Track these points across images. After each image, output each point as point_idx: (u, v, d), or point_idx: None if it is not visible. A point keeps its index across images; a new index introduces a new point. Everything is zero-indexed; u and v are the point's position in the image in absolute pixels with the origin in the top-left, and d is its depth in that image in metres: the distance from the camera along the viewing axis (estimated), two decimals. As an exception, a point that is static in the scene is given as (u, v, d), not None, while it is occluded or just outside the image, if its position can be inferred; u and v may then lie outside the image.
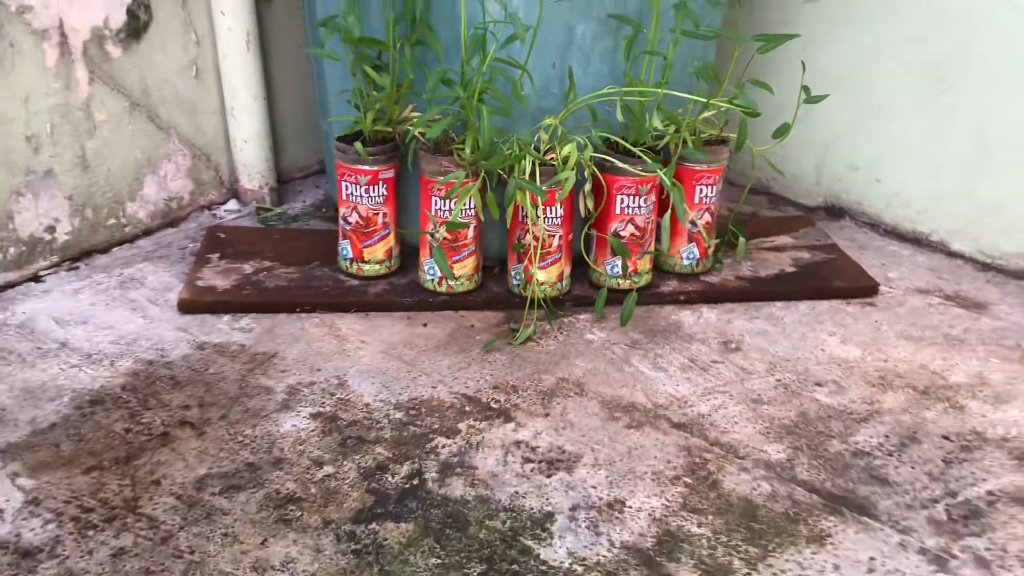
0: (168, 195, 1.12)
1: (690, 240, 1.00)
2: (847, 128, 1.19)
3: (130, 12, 1.01)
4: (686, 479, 0.70)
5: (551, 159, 0.89)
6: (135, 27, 1.02)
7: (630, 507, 0.67)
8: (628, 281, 0.97)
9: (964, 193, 1.09)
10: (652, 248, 0.98)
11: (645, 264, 0.98)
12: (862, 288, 1.02)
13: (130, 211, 1.08)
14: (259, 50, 1.12)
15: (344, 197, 0.96)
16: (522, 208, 0.89)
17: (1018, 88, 1.01)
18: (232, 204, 1.19)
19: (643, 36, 0.89)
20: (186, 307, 0.92)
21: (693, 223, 0.99)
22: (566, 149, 0.88)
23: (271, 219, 1.17)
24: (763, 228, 1.15)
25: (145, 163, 1.08)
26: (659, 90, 0.88)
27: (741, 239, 1.05)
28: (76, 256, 1.03)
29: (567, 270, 0.96)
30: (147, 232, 1.10)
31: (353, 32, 0.88)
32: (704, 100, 0.90)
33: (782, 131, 1.00)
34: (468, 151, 0.86)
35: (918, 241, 1.15)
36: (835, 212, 1.23)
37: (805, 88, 0.97)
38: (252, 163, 1.17)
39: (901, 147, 1.14)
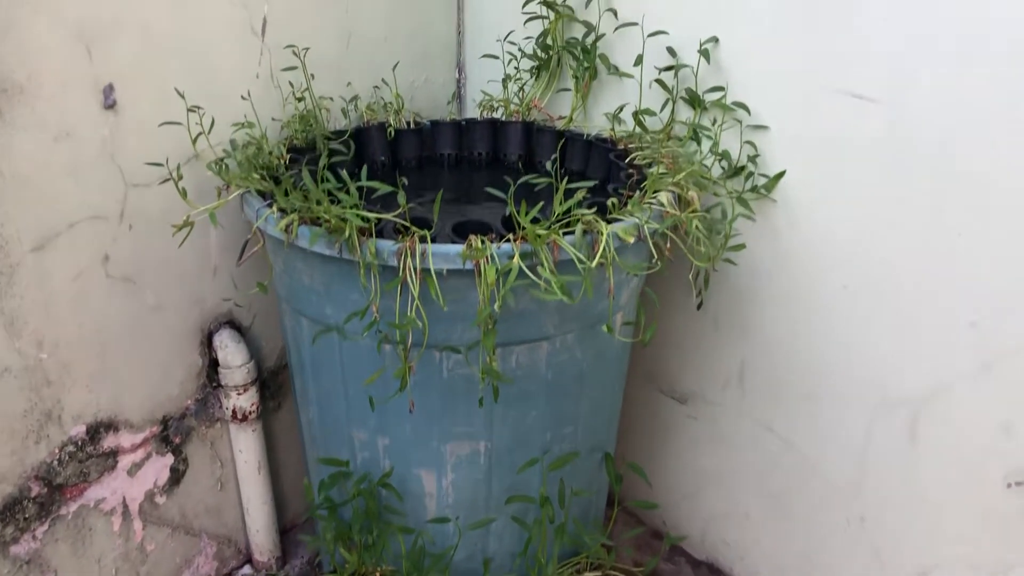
0: (199, 579, 1.48)
1: (584, 645, 1.35)
2: (722, 515, 1.53)
3: (173, 469, 1.38)
4: None
5: (474, 616, 1.25)
6: (176, 477, 1.39)
7: None
8: None
9: (800, 590, 1.43)
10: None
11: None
12: None
13: (171, 600, 1.44)
14: (268, 470, 1.48)
15: (327, 623, 1.31)
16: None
17: (825, 518, 1.35)
18: (247, 569, 1.55)
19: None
20: None
21: (585, 632, 1.34)
22: (482, 618, 1.23)
23: (276, 584, 1.53)
24: (651, 601, 1.49)
25: (183, 563, 1.44)
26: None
27: (625, 633, 1.40)
28: (131, 647, 1.39)
29: None
30: (183, 610, 1.47)
31: (328, 531, 1.24)
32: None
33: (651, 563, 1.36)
34: (410, 629, 1.21)
35: (771, 614, 1.48)
36: (714, 570, 1.57)
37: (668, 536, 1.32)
38: (262, 544, 1.53)
39: (759, 542, 1.48)
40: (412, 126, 1.50)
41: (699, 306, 1.40)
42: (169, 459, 1.36)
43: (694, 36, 1.28)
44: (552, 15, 1.44)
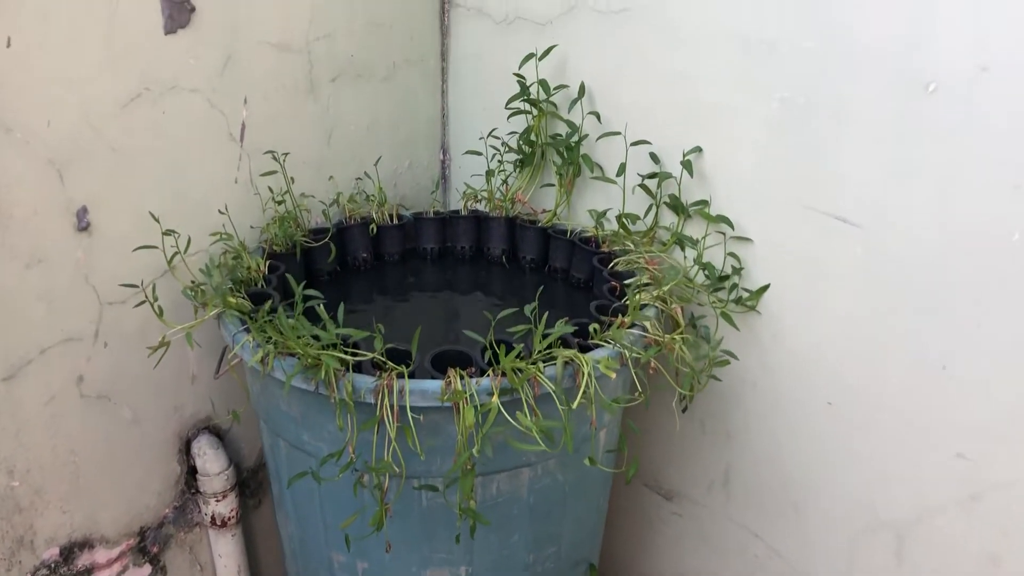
0: None
1: None
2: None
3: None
4: None
5: None
6: (154, 584, 1.37)
7: None
8: None
9: None
10: None
11: None
12: None
13: None
14: (248, 572, 1.46)
15: None
16: None
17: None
18: (227, 670, 1.52)
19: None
20: None
21: None
22: None
23: None
24: None
25: (160, 671, 1.42)
26: None
27: None
28: None
29: None
30: None
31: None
32: None
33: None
34: None
35: None
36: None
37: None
38: (243, 645, 1.50)
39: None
40: (395, 220, 1.48)
41: (684, 409, 1.38)
42: (147, 569, 1.34)
43: (677, 145, 1.27)
44: (536, 111, 1.43)
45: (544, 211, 1.50)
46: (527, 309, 1.00)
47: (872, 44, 1.02)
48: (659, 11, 1.24)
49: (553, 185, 1.48)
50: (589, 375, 1.00)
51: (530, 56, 1.38)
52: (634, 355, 1.07)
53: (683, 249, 1.30)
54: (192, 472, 1.36)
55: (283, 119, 1.36)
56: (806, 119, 1.11)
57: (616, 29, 1.31)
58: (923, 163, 1.02)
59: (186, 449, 1.35)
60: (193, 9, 1.18)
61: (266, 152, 1.32)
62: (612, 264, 1.30)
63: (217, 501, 1.36)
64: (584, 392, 1.00)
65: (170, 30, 1.16)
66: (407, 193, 1.66)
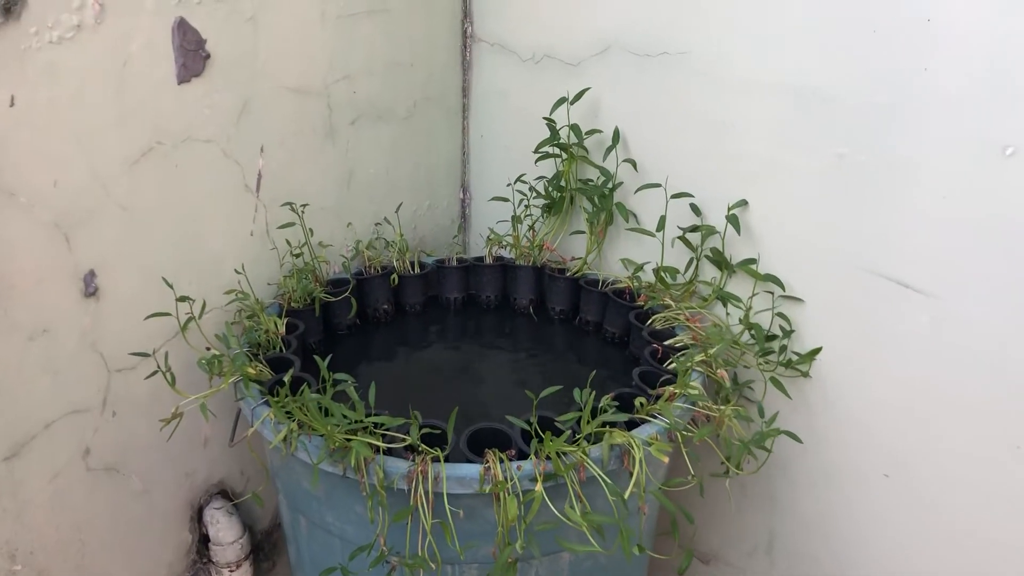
0: None
1: None
2: None
3: (159, 655, 1.28)
4: None
5: None
6: (163, 662, 1.29)
7: None
8: None
9: None
10: None
11: None
12: None
13: None
14: (262, 643, 1.38)
15: None
16: None
17: None
18: None
19: None
20: None
21: None
22: None
23: None
24: None
25: None
26: None
27: None
28: None
29: None
30: None
31: None
32: None
33: None
34: None
35: None
36: None
37: None
38: None
39: None
40: (417, 269, 1.40)
41: (726, 472, 1.30)
42: (155, 645, 1.26)
43: (720, 197, 1.20)
44: (566, 155, 1.36)
45: (573, 259, 1.42)
46: (578, 394, 0.92)
47: (944, 103, 0.95)
48: (701, 57, 1.17)
49: (583, 232, 1.41)
50: (641, 461, 0.93)
51: (562, 100, 1.30)
52: (684, 433, 1.00)
53: (725, 305, 1.23)
54: (204, 540, 1.28)
55: (301, 166, 1.28)
56: (866, 177, 1.04)
57: (654, 73, 1.23)
58: (998, 229, 0.94)
59: (198, 516, 1.27)
60: (208, 56, 1.10)
61: (283, 204, 1.25)
62: (650, 321, 1.22)
63: (231, 572, 1.29)
64: (636, 480, 0.92)
65: (183, 79, 1.09)
66: (427, 234, 1.59)
